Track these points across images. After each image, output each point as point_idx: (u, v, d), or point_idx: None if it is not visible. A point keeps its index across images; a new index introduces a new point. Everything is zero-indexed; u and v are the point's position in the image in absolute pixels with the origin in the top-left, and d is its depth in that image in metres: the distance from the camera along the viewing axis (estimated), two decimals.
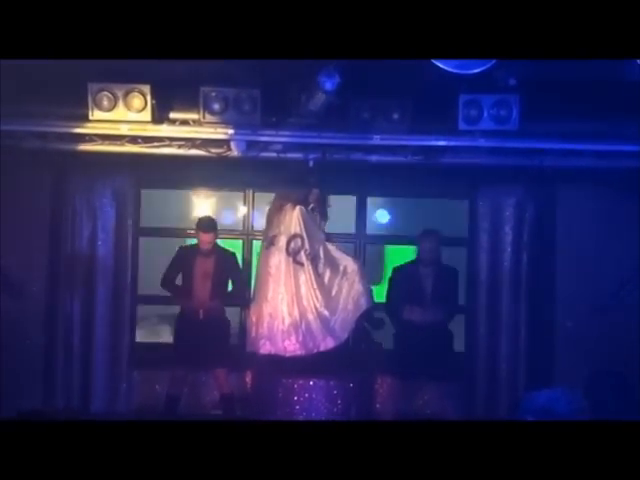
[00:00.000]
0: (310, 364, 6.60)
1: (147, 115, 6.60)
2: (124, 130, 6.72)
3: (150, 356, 7.46)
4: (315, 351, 6.65)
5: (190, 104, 6.74)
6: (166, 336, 7.46)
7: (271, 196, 7.09)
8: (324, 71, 5.57)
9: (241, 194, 7.98)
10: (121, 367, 7.52)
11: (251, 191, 7.92)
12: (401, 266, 7.19)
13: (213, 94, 6.61)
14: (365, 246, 7.94)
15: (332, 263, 6.84)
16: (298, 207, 6.82)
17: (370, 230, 8.06)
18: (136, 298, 7.65)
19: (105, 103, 6.55)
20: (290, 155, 6.95)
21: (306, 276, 6.71)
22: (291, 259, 6.73)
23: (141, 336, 7.76)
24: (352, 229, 7.95)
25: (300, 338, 6.64)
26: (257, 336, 6.72)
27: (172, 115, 6.84)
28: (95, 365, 7.47)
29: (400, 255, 8.06)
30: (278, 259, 6.74)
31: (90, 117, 6.60)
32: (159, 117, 6.74)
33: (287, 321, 6.66)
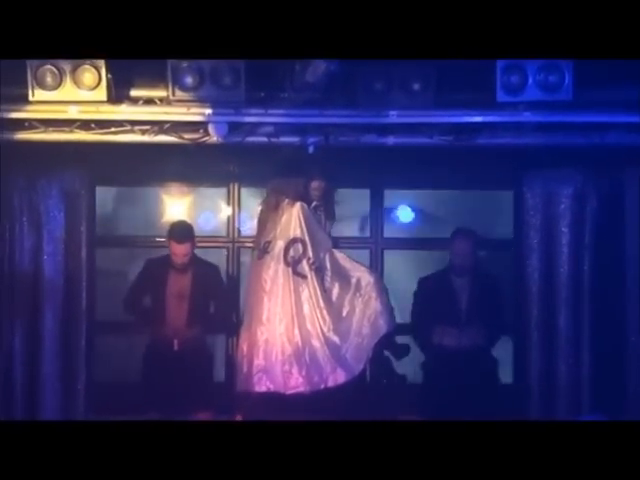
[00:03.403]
0: (317, 404, 6.67)
1: (102, 93, 6.72)
2: (73, 113, 6.85)
3: (112, 399, 7.49)
4: (322, 387, 6.74)
5: (156, 78, 6.87)
6: (132, 373, 7.48)
7: (262, 192, 7.22)
8: None
9: (224, 190, 8.10)
10: (76, 413, 7.57)
11: (236, 186, 8.04)
12: (429, 276, 7.28)
13: (184, 65, 6.71)
14: (383, 252, 8.04)
15: (342, 275, 6.93)
16: (298, 204, 6.89)
17: (389, 232, 8.17)
18: (93, 326, 7.70)
19: (49, 80, 6.67)
20: (284, 139, 7.07)
21: (310, 291, 6.80)
22: (290, 270, 6.82)
23: (100, 374, 7.81)
24: (366, 231, 8.09)
25: (303, 371, 6.73)
26: (250, 370, 6.79)
27: (133, 93, 6.97)
28: (43, 411, 7.51)
29: None
30: (274, 270, 6.82)
31: (30, 98, 6.72)
32: (117, 95, 6.85)
33: (287, 350, 6.74)
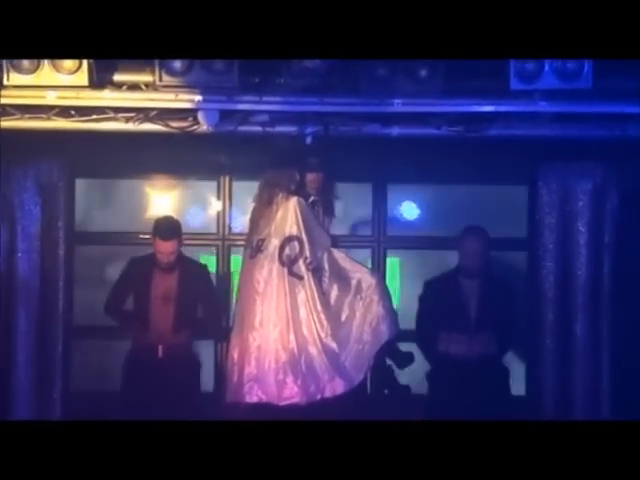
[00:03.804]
0: (313, 415, 6.55)
1: (83, 78, 6.69)
2: (51, 99, 6.82)
3: (91, 409, 7.36)
4: (319, 397, 6.70)
5: (141, 62, 6.81)
6: (112, 382, 7.44)
7: (255, 185, 7.10)
8: None
9: (214, 184, 8.07)
10: None
11: (227, 179, 8.00)
12: (436, 279, 7.24)
13: None
14: (386, 252, 7.99)
15: (341, 276, 6.88)
16: (294, 198, 6.84)
17: (392, 230, 8.12)
18: (71, 330, 7.67)
19: (25, 63, 6.63)
20: (280, 129, 7.03)
21: (306, 294, 6.75)
22: (286, 270, 6.77)
23: (78, 382, 7.80)
24: (368, 229, 8.03)
25: (299, 380, 6.68)
26: (241, 379, 6.74)
27: (117, 77, 6.93)
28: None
29: None
30: (268, 271, 6.77)
31: (5, 82, 6.70)
32: (99, 80, 6.81)
33: (281, 357, 6.69)
